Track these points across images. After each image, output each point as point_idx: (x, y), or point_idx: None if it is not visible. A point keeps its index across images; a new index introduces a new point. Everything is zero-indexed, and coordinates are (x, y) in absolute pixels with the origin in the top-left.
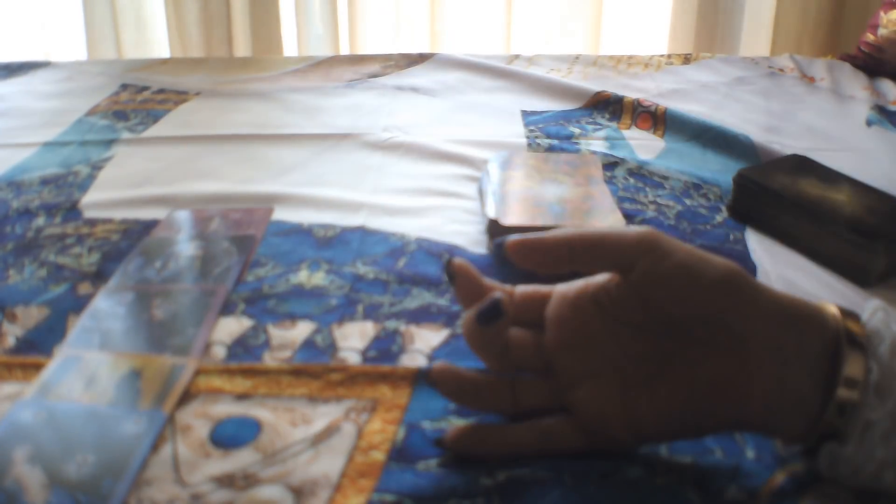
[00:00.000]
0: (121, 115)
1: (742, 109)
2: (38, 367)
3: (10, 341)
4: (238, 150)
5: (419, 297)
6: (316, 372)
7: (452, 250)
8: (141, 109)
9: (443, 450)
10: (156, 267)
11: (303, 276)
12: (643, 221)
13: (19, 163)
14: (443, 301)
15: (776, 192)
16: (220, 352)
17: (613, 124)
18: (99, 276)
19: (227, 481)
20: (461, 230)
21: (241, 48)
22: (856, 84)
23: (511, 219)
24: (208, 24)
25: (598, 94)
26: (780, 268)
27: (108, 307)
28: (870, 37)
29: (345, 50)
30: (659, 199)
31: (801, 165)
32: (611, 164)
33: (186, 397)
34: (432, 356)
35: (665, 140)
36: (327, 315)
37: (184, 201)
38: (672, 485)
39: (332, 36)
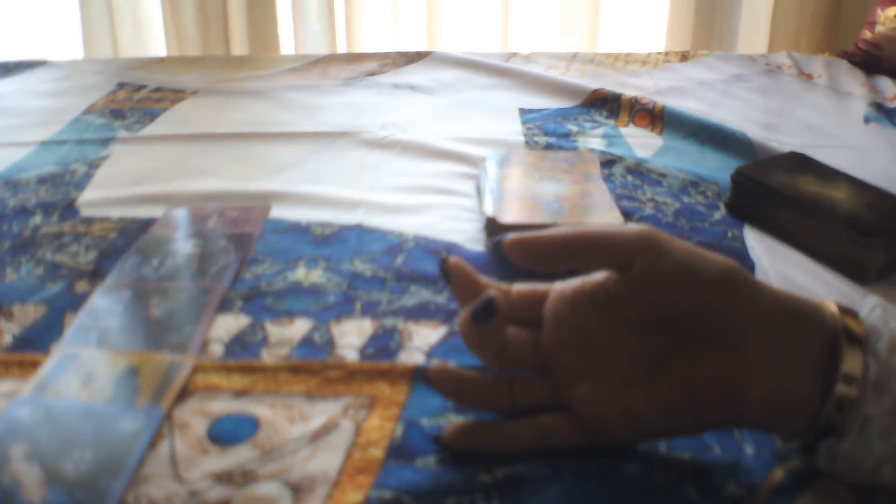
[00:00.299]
0: (118, 114)
1: (740, 107)
2: (35, 365)
3: (7, 339)
4: (235, 148)
5: (417, 295)
6: (314, 369)
7: (450, 248)
8: (138, 108)
9: (441, 447)
10: (153, 265)
11: (300, 274)
12: (641, 219)
13: (16, 161)
14: (441, 298)
15: (774, 189)
16: (217, 349)
17: (611, 122)
18: (96, 275)
19: (224, 478)
20: (459, 228)
21: (238, 47)
22: (853, 81)
23: (509, 216)
24: (205, 23)
25: (595, 91)
26: (778, 265)
27: (105, 305)
28: (867, 34)
29: (342, 48)
30: (657, 197)
31: (799, 163)
32: (608, 162)
33: (184, 395)
34: (430, 353)
35: (663, 138)
36: (325, 312)
37: (181, 199)
38: (670, 481)
39: (329, 34)
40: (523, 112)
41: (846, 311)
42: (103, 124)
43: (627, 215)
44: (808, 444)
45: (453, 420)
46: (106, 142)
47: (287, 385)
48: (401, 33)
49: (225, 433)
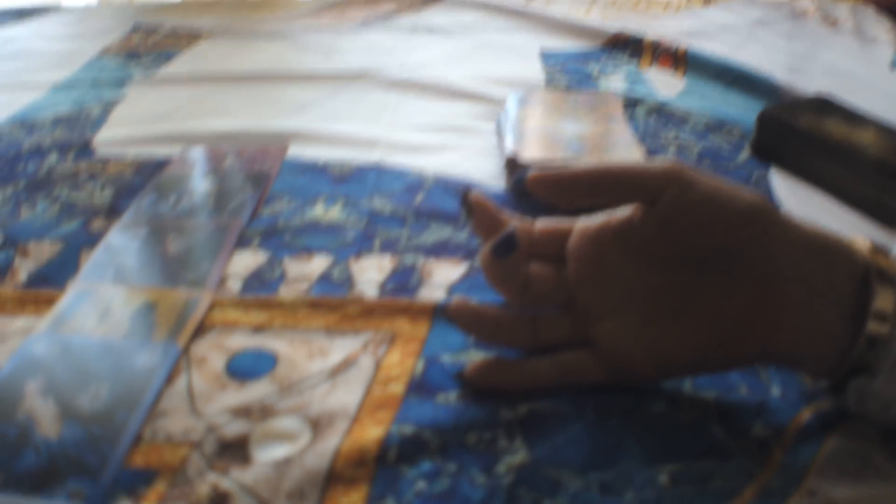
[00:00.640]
0: (133, 56)
1: (764, 51)
2: (50, 302)
3: (23, 276)
4: (252, 89)
5: (437, 232)
6: (333, 305)
7: (470, 186)
8: (153, 50)
9: (463, 383)
10: (170, 202)
11: (319, 211)
12: None
13: (31, 103)
14: (461, 236)
15: (801, 131)
16: (235, 285)
17: (633, 64)
18: (112, 212)
19: (243, 413)
20: (479, 167)
21: None
22: (879, 27)
23: (529, 154)
24: None
25: (617, 33)
26: (804, 208)
27: (121, 242)
28: None
29: None
30: (680, 138)
31: (826, 106)
32: (631, 104)
33: (201, 330)
34: (451, 290)
35: (686, 80)
36: (344, 249)
37: (197, 139)
38: (696, 420)
39: None
40: (544, 53)
41: (877, 248)
42: (118, 66)
43: (650, 156)
44: (837, 383)
45: (475, 357)
46: (121, 83)
47: (306, 321)
48: None
49: (243, 368)
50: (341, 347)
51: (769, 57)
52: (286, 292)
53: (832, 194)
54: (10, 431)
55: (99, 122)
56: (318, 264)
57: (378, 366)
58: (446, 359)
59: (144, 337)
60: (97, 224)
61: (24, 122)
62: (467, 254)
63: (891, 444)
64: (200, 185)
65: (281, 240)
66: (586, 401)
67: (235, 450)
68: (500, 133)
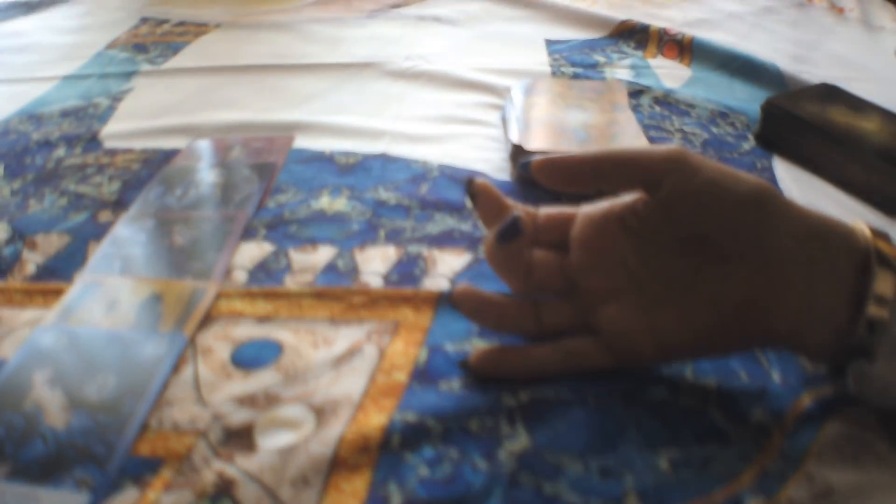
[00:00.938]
0: (140, 48)
1: (769, 39)
2: (58, 293)
3: (31, 268)
4: (258, 80)
5: (441, 223)
6: (337, 295)
7: (476, 176)
8: (160, 42)
9: (466, 371)
10: (176, 195)
11: (324, 202)
12: None
13: (39, 96)
14: (465, 226)
15: (804, 119)
16: (241, 276)
17: (639, 53)
18: (119, 205)
19: (248, 401)
20: (484, 157)
21: None
22: (885, 15)
23: (534, 143)
24: None
25: (623, 22)
26: (807, 196)
27: (128, 234)
28: None
29: None
30: (685, 127)
31: (830, 94)
32: (636, 93)
33: (207, 320)
34: (455, 280)
35: (691, 69)
36: (349, 240)
37: (204, 131)
38: (696, 406)
39: None
40: (550, 43)
41: (878, 233)
42: (126, 58)
43: (655, 145)
44: (837, 367)
45: (478, 345)
46: (129, 75)
47: (311, 311)
48: None
49: (248, 358)
50: (346, 337)
51: (775, 45)
52: (291, 283)
53: (836, 183)
54: (18, 421)
55: (106, 115)
56: (324, 255)
57: (382, 355)
58: (449, 347)
59: (151, 327)
60: (104, 216)
61: (32, 116)
62: (471, 244)
63: (890, 430)
64: (207, 176)
65: (286, 231)
66: (587, 387)
67: (240, 438)
68: (505, 123)
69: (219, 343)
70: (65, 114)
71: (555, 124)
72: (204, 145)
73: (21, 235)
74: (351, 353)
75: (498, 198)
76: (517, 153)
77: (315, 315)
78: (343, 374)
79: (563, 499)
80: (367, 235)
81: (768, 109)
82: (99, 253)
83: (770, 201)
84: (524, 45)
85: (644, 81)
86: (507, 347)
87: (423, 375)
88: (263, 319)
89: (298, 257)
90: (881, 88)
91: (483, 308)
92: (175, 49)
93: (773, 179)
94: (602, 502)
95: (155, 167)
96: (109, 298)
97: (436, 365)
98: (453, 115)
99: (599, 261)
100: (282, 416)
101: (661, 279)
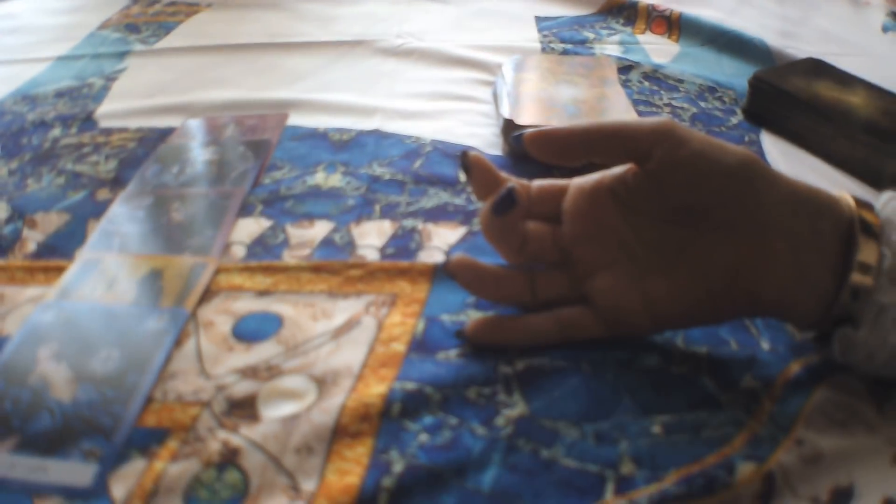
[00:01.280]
0: (132, 28)
1: (757, 15)
2: (59, 271)
3: (31, 246)
4: (251, 58)
5: (436, 197)
6: (335, 268)
7: (469, 151)
8: (153, 21)
9: (463, 341)
10: (173, 172)
11: (319, 178)
12: None
13: (33, 77)
14: (459, 200)
15: (791, 94)
16: (239, 251)
17: (628, 29)
18: (117, 183)
19: (250, 373)
20: (476, 132)
21: None
22: None
23: (526, 118)
24: None
25: None
26: (794, 170)
27: (126, 212)
28: None
29: None
30: (674, 102)
31: (817, 68)
32: (625, 68)
33: (208, 295)
34: (450, 252)
35: (680, 44)
36: (345, 215)
37: (198, 109)
38: (688, 373)
39: None
40: (539, 20)
41: (862, 203)
42: (119, 38)
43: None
44: (823, 334)
45: (473, 316)
46: (122, 55)
47: (309, 284)
48: None
49: (249, 331)
50: (344, 309)
51: (762, 21)
52: (289, 257)
53: (822, 156)
54: (24, 395)
55: (101, 95)
56: (320, 230)
57: (380, 326)
58: (446, 318)
59: (152, 303)
60: (102, 194)
61: (27, 96)
62: (465, 217)
63: (877, 396)
64: (202, 154)
65: (283, 207)
66: (582, 355)
67: (244, 408)
68: (496, 98)
69: (220, 317)
70: (59, 94)
71: (545, 100)
72: (198, 123)
73: (21, 214)
74: (350, 325)
75: (492, 170)
76: (508, 128)
77: (313, 288)
78: (343, 345)
79: (559, 463)
80: (363, 210)
81: (756, 84)
82: (98, 231)
83: (756, 172)
84: (514, 23)
85: (633, 57)
86: (502, 317)
87: (421, 346)
88: (263, 293)
89: (295, 232)
90: (867, 63)
91: (479, 278)
92: (167, 29)
93: (760, 153)
94: (598, 466)
95: (150, 146)
96: (110, 275)
97: (433, 335)
98: (445, 91)
99: (591, 232)
100: (284, 387)
101: (651, 249)
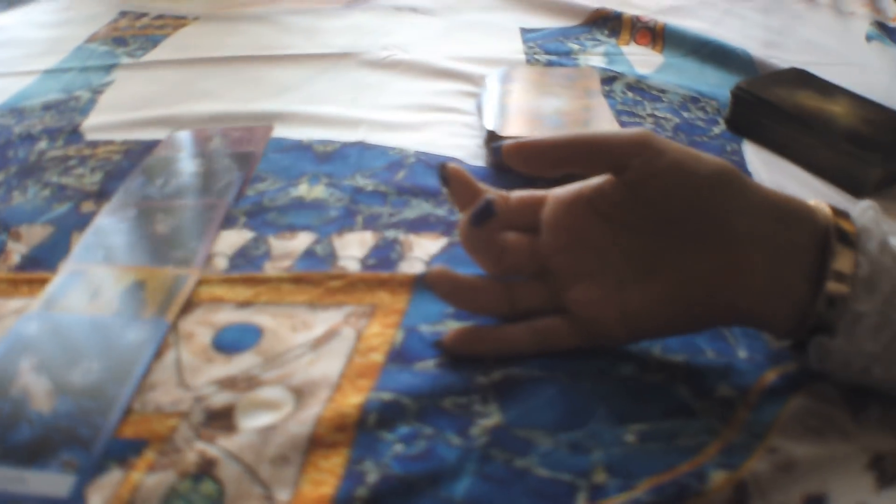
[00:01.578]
0: (120, 41)
1: (741, 25)
2: (43, 283)
3: (16, 259)
4: (237, 71)
5: (418, 208)
6: (316, 280)
7: (451, 162)
8: (140, 35)
9: (441, 351)
10: (157, 185)
11: (303, 190)
12: None
13: (21, 90)
14: (441, 211)
15: (773, 104)
16: (221, 263)
17: (612, 41)
18: (101, 195)
19: (229, 384)
20: (460, 144)
21: None
22: (856, 1)
23: (510, 130)
24: None
25: (597, 10)
26: (776, 179)
27: (111, 223)
28: None
29: None
30: (657, 113)
31: (800, 78)
32: (609, 79)
33: (189, 306)
34: (430, 263)
35: (664, 55)
36: (327, 226)
37: (184, 122)
38: (664, 382)
39: None
40: (524, 31)
41: (838, 212)
42: (106, 52)
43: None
44: (800, 342)
45: (453, 327)
46: (109, 68)
47: (290, 295)
48: None
49: (229, 342)
50: (324, 320)
51: (746, 31)
52: (271, 269)
53: (804, 165)
54: (5, 406)
55: (87, 108)
56: (302, 241)
57: (359, 336)
58: (425, 329)
59: (134, 314)
60: (87, 206)
61: (14, 109)
62: (447, 228)
63: (853, 404)
64: (187, 166)
65: (266, 218)
66: (559, 365)
67: (222, 419)
68: (480, 110)
69: (200, 328)
70: (46, 107)
71: (530, 111)
72: (184, 136)
73: (5, 227)
74: (329, 336)
75: (470, 182)
76: (492, 139)
77: (294, 300)
78: (321, 356)
79: (532, 472)
80: (345, 221)
81: (738, 94)
82: (82, 242)
83: (732, 182)
84: (499, 34)
85: (617, 68)
86: (480, 327)
87: (399, 356)
88: (243, 304)
89: (278, 244)
90: (851, 73)
91: (457, 290)
92: (154, 42)
93: (742, 163)
94: (570, 475)
95: (136, 158)
96: (93, 287)
97: (411, 346)
98: (429, 103)
99: (569, 242)
100: (262, 398)
101: (629, 259)
